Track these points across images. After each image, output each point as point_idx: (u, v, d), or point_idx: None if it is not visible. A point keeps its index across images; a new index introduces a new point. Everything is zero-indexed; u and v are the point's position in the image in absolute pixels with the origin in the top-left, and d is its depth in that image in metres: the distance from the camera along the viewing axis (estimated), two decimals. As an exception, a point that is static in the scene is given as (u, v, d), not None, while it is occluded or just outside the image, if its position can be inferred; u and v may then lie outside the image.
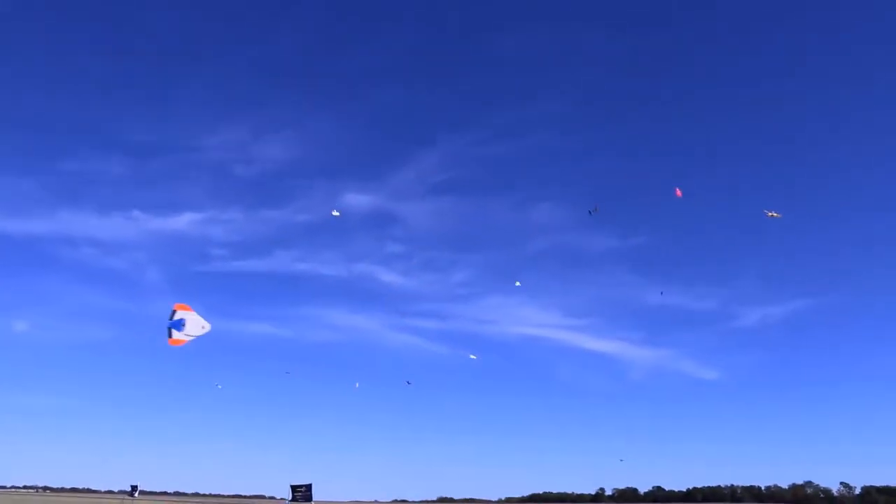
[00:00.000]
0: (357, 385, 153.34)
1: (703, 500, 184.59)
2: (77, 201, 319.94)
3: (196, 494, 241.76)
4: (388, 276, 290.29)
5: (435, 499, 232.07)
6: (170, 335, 35.83)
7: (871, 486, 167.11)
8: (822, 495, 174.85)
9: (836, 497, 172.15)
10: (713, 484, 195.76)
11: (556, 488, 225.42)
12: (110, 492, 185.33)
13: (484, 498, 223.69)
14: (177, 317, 35.91)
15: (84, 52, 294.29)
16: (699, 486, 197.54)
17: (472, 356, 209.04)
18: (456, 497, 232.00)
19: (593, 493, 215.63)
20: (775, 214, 51.48)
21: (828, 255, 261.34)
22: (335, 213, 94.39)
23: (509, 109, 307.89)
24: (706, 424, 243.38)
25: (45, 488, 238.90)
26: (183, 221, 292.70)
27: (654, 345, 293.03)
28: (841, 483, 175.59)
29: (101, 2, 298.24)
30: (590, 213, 69.14)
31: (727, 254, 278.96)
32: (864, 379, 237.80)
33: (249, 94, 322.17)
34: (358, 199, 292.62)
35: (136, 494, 71.47)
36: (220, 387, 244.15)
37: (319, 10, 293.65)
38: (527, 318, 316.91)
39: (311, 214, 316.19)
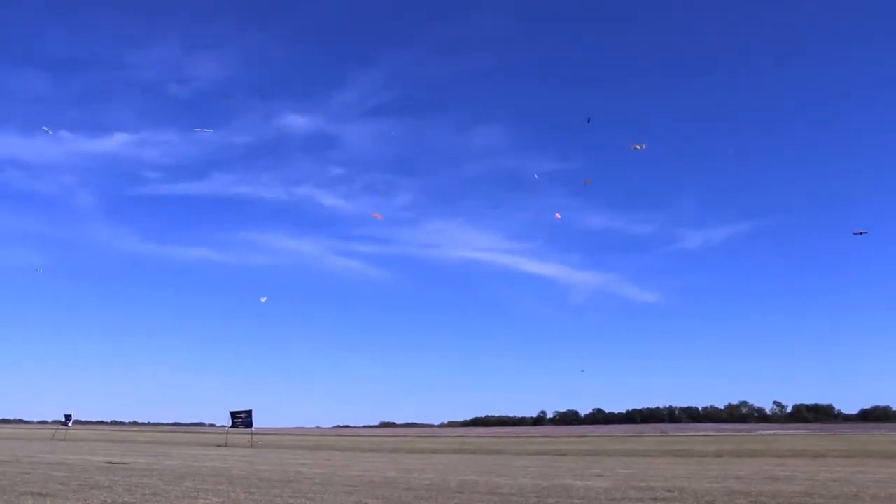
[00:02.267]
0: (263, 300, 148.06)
1: (643, 422, 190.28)
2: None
3: (134, 423, 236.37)
4: (330, 200, 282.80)
5: (378, 424, 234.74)
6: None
7: (802, 405, 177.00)
8: (756, 414, 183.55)
9: (769, 415, 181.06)
10: (652, 406, 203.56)
11: (497, 412, 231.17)
12: (44, 422, 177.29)
13: (426, 423, 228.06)
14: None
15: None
16: (639, 407, 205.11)
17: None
18: (398, 422, 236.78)
19: (535, 416, 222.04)
20: (640, 146, 53.32)
21: (768, 178, 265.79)
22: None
23: (449, 28, 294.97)
24: (646, 347, 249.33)
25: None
26: (114, 143, 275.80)
27: (596, 268, 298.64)
28: (774, 402, 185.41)
29: None
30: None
31: (668, 177, 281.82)
32: (799, 303, 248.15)
33: (178, 7, 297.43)
34: (297, 120, 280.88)
35: (71, 424, 65.95)
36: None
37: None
38: (468, 241, 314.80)
39: (249, 136, 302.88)
